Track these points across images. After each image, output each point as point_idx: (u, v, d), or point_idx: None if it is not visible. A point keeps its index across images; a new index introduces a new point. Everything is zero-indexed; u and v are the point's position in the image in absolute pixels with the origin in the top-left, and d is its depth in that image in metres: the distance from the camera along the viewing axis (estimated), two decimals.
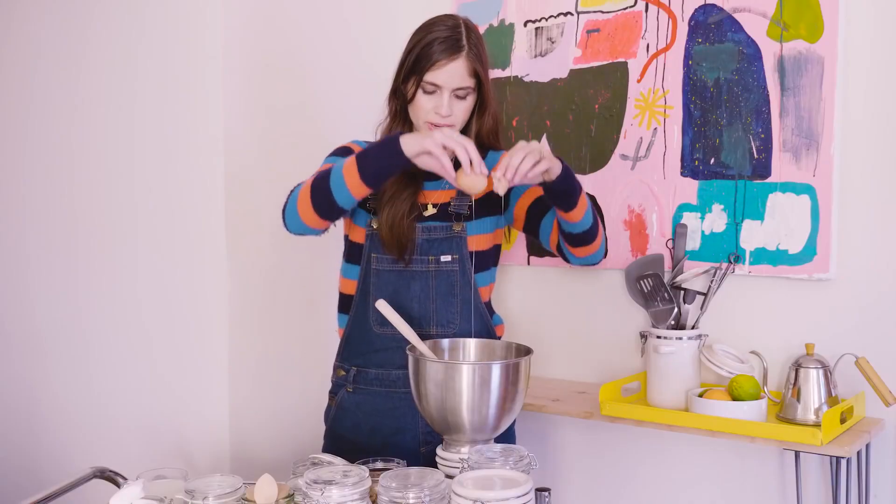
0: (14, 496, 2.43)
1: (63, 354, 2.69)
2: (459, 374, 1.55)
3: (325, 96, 2.56)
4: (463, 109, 1.79)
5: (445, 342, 1.74)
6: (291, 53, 2.45)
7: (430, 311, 1.81)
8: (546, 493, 1.47)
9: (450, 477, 1.46)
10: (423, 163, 1.57)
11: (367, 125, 2.64)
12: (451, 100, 1.76)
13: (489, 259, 1.89)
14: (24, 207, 2.78)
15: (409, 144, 1.56)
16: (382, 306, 1.71)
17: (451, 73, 1.74)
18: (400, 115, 1.86)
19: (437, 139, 1.55)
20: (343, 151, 1.88)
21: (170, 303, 2.41)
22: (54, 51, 2.66)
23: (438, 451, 1.62)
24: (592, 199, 2.42)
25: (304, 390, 2.54)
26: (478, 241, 1.85)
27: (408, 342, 1.70)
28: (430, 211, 1.84)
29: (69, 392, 2.68)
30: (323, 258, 2.54)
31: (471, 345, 1.75)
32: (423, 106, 1.78)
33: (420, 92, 1.77)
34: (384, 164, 1.59)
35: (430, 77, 1.74)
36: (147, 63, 2.42)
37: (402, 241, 1.78)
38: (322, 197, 1.63)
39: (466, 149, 1.56)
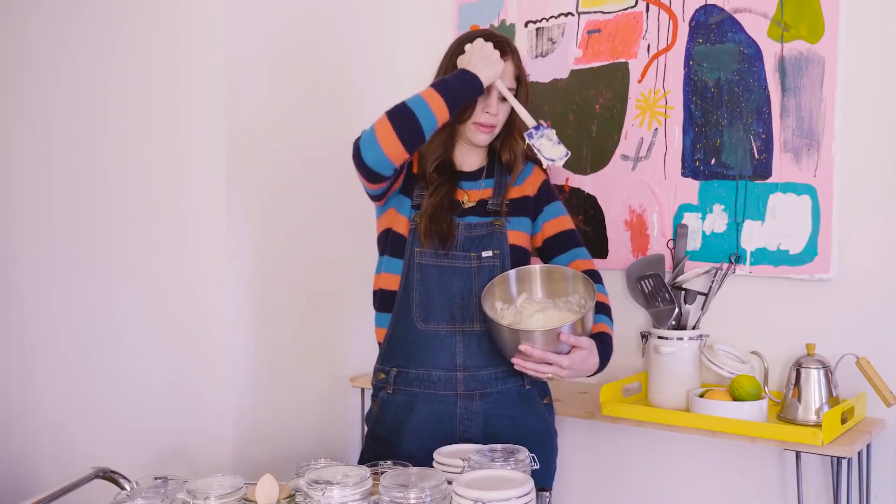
0: (14, 496, 2.43)
1: (64, 354, 2.69)
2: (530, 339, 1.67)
3: (326, 95, 2.56)
4: (504, 111, 1.87)
5: (512, 274, 1.82)
6: (292, 59, 2.45)
7: (472, 307, 1.82)
8: (547, 494, 1.47)
9: (449, 483, 1.45)
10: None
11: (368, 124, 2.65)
12: (497, 101, 1.84)
13: (525, 256, 1.92)
14: (25, 207, 2.78)
15: (484, 77, 1.73)
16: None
17: (503, 74, 1.81)
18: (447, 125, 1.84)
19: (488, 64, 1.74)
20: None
21: (171, 302, 2.41)
22: (56, 49, 2.66)
23: (436, 455, 1.61)
24: (592, 200, 2.43)
25: (307, 390, 2.54)
26: (517, 236, 1.88)
27: (450, 336, 1.80)
28: (469, 203, 1.88)
29: (69, 392, 2.68)
30: (326, 256, 2.54)
31: (536, 273, 1.84)
32: (475, 107, 1.84)
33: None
34: (464, 94, 1.74)
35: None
36: (151, 62, 2.42)
37: (442, 230, 1.81)
38: (407, 123, 1.68)
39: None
